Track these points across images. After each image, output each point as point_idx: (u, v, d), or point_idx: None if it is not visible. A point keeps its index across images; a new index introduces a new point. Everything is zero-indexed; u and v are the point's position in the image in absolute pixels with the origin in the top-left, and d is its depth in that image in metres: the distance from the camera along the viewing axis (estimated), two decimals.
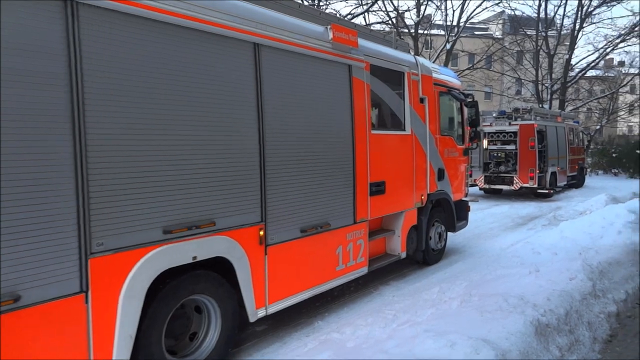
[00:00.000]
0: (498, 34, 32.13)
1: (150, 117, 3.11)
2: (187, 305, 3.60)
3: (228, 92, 3.63)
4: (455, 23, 23.26)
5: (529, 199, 15.20)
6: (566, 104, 26.26)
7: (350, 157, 4.89)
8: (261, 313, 3.97)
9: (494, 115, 15.97)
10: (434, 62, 23.27)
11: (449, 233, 7.37)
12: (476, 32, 33.66)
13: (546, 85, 25.67)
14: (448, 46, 23.40)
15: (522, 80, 28.65)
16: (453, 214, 7.07)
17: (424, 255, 6.56)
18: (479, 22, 34.85)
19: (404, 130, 5.90)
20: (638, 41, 24.87)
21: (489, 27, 36.73)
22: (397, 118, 5.90)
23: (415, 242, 6.30)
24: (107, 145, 2.88)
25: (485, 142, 15.92)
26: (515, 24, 27.29)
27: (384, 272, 6.26)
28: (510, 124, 15.34)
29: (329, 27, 4.62)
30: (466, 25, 32.01)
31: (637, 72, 27.88)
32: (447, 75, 6.98)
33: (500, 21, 32.28)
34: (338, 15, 18.77)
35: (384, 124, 5.83)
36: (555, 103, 26.14)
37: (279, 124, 4.09)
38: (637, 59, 27.28)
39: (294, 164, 4.25)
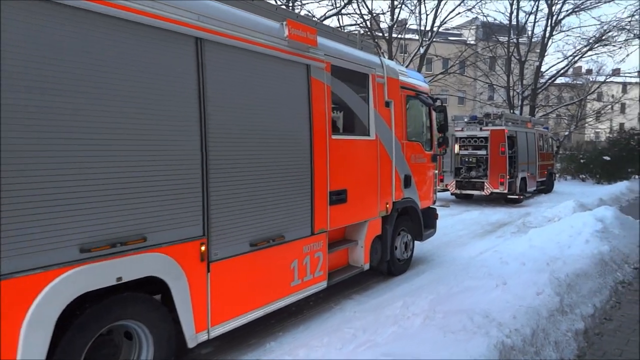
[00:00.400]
0: (471, 40, 32.44)
1: (62, 116, 2.68)
2: (115, 330, 3.17)
3: (162, 90, 3.23)
4: (428, 28, 23.26)
5: (500, 204, 15.19)
6: (536, 109, 26.66)
7: (307, 163, 4.54)
8: (202, 337, 3.57)
9: (465, 120, 15.94)
10: (407, 66, 23.24)
11: (416, 242, 7.12)
12: (450, 38, 33.97)
13: (517, 91, 25.99)
14: (422, 50, 23.40)
15: (494, 86, 28.99)
16: (420, 222, 6.81)
17: (389, 266, 6.27)
18: (453, 29, 35.21)
19: (368, 135, 5.60)
20: (605, 50, 25.47)
21: (463, 34, 37.13)
22: (360, 122, 5.59)
23: (380, 253, 5.99)
24: (9, 149, 2.45)
25: (456, 147, 15.87)
26: (488, 30, 27.61)
27: (347, 284, 5.93)
28: (481, 129, 15.33)
29: (284, 23, 4.27)
30: (440, 31, 32.32)
31: (603, 80, 28.56)
32: (414, 79, 6.72)
33: (473, 27, 32.66)
34: (313, 17, 18.57)
35: (347, 129, 5.51)
36: (526, 109, 26.50)
37: (225, 127, 3.71)
38: (604, 67, 27.96)
39: (242, 171, 3.87)
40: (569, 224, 7.79)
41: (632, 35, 24.53)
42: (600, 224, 7.56)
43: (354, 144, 5.31)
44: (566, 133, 31.53)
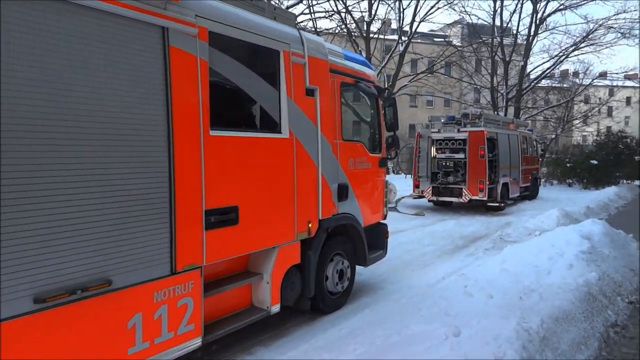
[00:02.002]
0: (457, 41, 31.22)
1: None
2: None
3: None
4: (408, 23, 21.98)
5: (480, 212, 13.84)
6: (521, 111, 25.45)
7: (161, 170, 3.08)
8: None
9: (442, 120, 14.58)
10: (385, 64, 21.97)
11: (361, 267, 5.70)
12: (436, 40, 32.75)
13: (502, 92, 24.77)
14: (401, 48, 22.08)
15: (479, 87, 27.78)
16: (363, 243, 5.37)
17: (316, 302, 4.81)
18: (438, 30, 34.06)
19: (278, 132, 4.15)
20: (591, 50, 24.38)
21: (448, 35, 35.99)
22: (266, 115, 4.15)
23: (299, 287, 4.53)
24: None
25: (433, 150, 14.51)
26: (471, 29, 26.38)
27: (257, 328, 4.47)
28: (459, 130, 13.97)
29: None
30: (425, 32, 31.05)
31: (589, 82, 27.47)
32: (353, 62, 5.29)
33: (458, 27, 31.48)
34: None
35: (241, 123, 4.07)
36: (511, 111, 25.30)
37: (12, 115, 2.27)
38: (591, 67, 26.90)
39: (29, 181, 2.41)
40: (550, 242, 6.40)
41: (620, 34, 23.49)
42: (586, 242, 6.18)
43: (253, 143, 3.86)
44: (553, 136, 30.37)
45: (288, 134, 4.19)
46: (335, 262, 5.03)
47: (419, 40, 34.07)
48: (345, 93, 5.18)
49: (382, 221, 6.01)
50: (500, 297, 4.98)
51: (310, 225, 4.50)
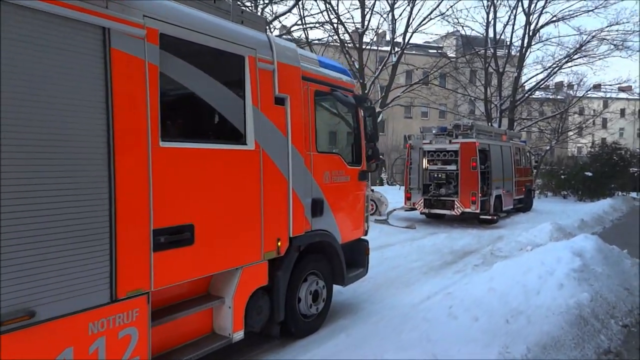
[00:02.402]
0: (451, 53, 31.19)
1: None
2: None
3: None
4: (401, 34, 21.87)
5: (472, 224, 13.53)
6: (515, 123, 25.29)
7: (99, 185, 2.76)
8: None
9: (434, 132, 14.33)
10: (378, 74, 21.81)
11: (341, 286, 5.36)
12: (430, 51, 32.75)
13: (495, 103, 24.63)
14: (394, 59, 21.95)
15: (473, 99, 27.65)
16: (341, 261, 5.04)
17: (287, 326, 4.46)
18: (433, 42, 34.05)
19: (243, 143, 3.84)
20: (584, 61, 24.33)
21: (443, 47, 36.02)
22: (229, 125, 3.84)
23: (267, 311, 4.19)
24: None
25: (424, 162, 14.24)
26: (465, 40, 26.33)
27: (221, 356, 4.11)
28: (450, 141, 13.71)
29: None
30: (419, 44, 31.03)
31: (583, 94, 27.41)
32: (330, 69, 5.01)
33: (452, 39, 31.51)
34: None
35: (199, 133, 3.76)
36: (505, 122, 25.14)
37: None
38: (585, 79, 26.87)
39: None
40: (540, 260, 6.07)
41: (613, 46, 23.45)
42: (578, 259, 5.86)
43: (212, 155, 3.55)
44: (547, 147, 30.23)
45: (254, 146, 3.88)
46: (309, 283, 4.69)
47: (414, 52, 34.16)
48: (320, 102, 4.89)
49: (363, 237, 5.68)
50: (486, 319, 4.66)
51: (279, 243, 4.17)
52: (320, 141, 4.77)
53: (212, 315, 3.84)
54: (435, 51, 30.62)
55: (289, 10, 15.56)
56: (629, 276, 6.30)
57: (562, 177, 22.27)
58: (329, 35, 21.18)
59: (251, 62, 3.89)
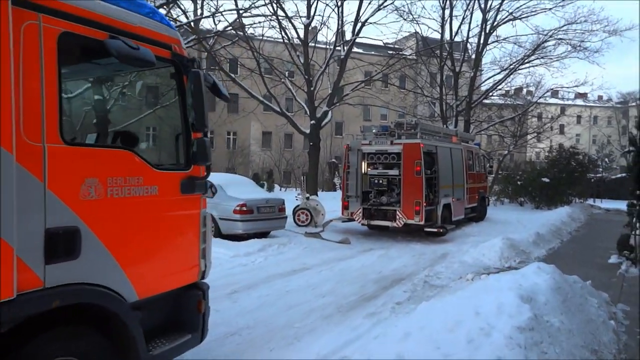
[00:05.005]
0: (412, 55, 29.77)
1: None
2: None
3: None
4: (351, 22, 20.07)
5: (418, 237, 11.78)
6: (472, 125, 23.95)
7: None
8: None
9: (374, 131, 12.46)
10: (325, 68, 19.91)
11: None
12: (390, 52, 31.27)
13: (451, 104, 23.19)
14: (342, 52, 20.10)
15: (429, 99, 26.18)
16: (130, 333, 2.90)
17: None
18: (392, 44, 32.56)
19: None
20: (541, 62, 23.27)
21: (403, 49, 34.70)
22: None
23: None
24: None
25: (364, 166, 12.32)
26: (422, 39, 24.83)
27: None
28: (392, 142, 11.85)
29: None
30: (378, 45, 29.46)
31: (540, 97, 26.46)
32: (114, 3, 2.88)
33: (411, 41, 30.08)
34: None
35: None
36: (462, 125, 23.74)
37: None
38: (543, 81, 25.94)
39: None
40: (476, 306, 4.16)
41: (570, 47, 22.46)
42: (527, 308, 3.97)
43: None
44: (505, 152, 29.17)
45: None
46: None
47: (372, 53, 32.64)
48: (82, 56, 2.78)
49: (199, 282, 3.59)
50: None
51: None
52: (78, 123, 2.67)
53: None
54: (393, 52, 29.06)
55: None
56: (596, 327, 4.49)
57: (519, 183, 20.99)
58: (270, 26, 19.20)
59: None
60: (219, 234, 9.98)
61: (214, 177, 12.48)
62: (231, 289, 6.32)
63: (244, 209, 9.98)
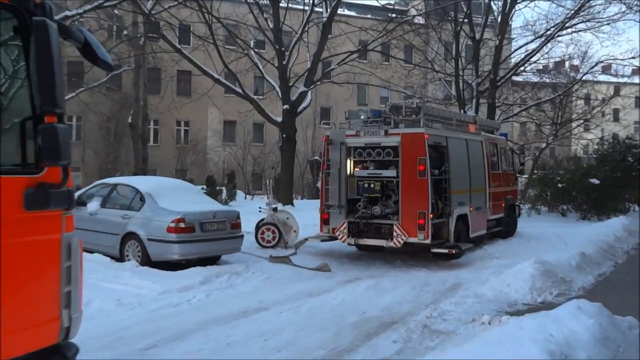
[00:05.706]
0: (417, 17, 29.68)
1: None
2: None
3: None
4: None
5: (425, 260, 11.43)
6: (498, 110, 23.79)
7: None
8: None
9: (362, 117, 11.98)
10: (301, 34, 19.58)
11: None
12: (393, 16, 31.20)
13: (470, 82, 23.00)
14: (325, 14, 19.77)
15: (442, 77, 25.99)
16: None
17: None
18: (394, 3, 32.42)
19: None
20: (587, 27, 23.21)
21: (407, 10, 34.65)
22: None
23: None
24: None
25: (350, 165, 11.88)
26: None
27: None
28: (387, 132, 11.39)
29: None
30: (376, 6, 29.27)
31: (587, 70, 26.35)
32: None
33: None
34: None
35: None
36: (484, 109, 23.59)
37: None
38: (589, 52, 25.89)
39: None
40: None
41: (625, 7, 22.43)
42: None
43: None
44: (543, 145, 29.10)
45: None
46: None
47: (369, 16, 32.42)
48: None
49: (64, 342, 3.11)
50: None
51: None
52: None
53: None
54: (394, 14, 28.86)
55: None
56: None
57: (560, 185, 20.83)
58: None
59: None
60: (147, 260, 9.55)
61: (141, 183, 11.93)
62: (148, 342, 5.85)
63: (182, 225, 9.54)
